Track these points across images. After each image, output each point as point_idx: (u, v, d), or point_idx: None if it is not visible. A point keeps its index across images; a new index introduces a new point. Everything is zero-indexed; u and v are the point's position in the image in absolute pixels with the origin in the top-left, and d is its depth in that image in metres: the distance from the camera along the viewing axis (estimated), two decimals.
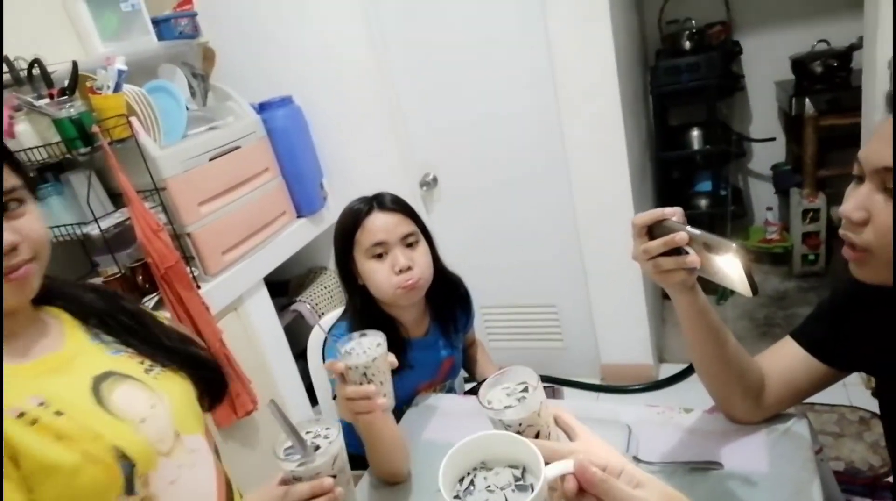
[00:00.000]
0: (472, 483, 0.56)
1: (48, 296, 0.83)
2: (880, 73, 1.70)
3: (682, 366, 2.35)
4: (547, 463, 0.60)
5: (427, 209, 2.38)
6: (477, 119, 2.19)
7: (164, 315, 1.04)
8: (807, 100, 2.43)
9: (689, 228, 0.75)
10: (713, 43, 2.67)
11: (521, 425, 0.66)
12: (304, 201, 2.28)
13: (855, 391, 1.98)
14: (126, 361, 0.83)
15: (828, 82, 2.47)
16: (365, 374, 0.87)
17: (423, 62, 2.18)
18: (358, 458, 1.30)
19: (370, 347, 0.90)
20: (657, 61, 2.67)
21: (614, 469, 0.56)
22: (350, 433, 1.27)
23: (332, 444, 0.70)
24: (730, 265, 0.72)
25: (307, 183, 2.27)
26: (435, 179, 2.34)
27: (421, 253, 1.22)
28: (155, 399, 0.80)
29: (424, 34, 2.13)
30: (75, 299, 0.86)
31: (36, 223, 0.74)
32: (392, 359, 0.91)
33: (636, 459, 0.95)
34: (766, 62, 2.77)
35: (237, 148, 1.99)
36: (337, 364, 0.88)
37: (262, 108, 2.16)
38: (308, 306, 2.32)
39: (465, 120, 2.21)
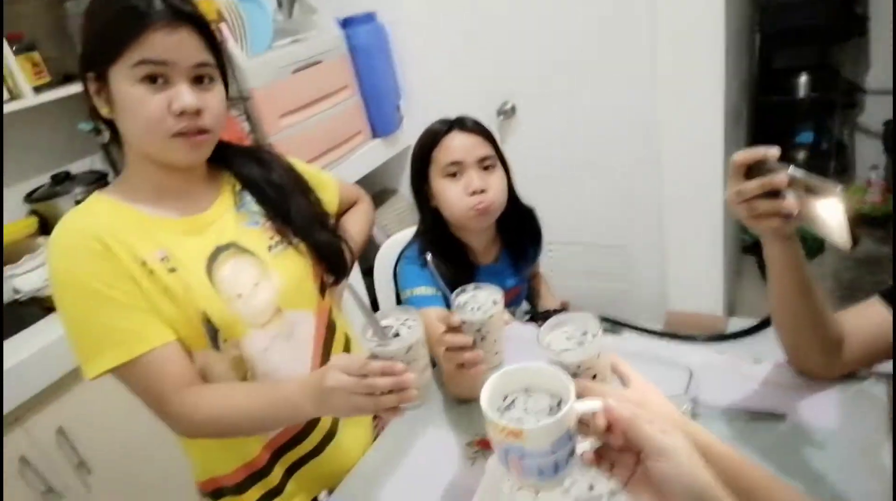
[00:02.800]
0: (513, 402, 0.59)
1: (223, 159, 0.93)
2: None
3: (753, 321, 2.26)
4: None
5: (503, 138, 2.33)
6: (564, 50, 2.09)
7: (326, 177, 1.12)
8: None
9: (791, 169, 0.70)
10: None
11: (579, 367, 0.67)
12: (380, 122, 2.28)
13: None
14: (256, 235, 0.92)
15: None
16: (479, 330, 0.82)
17: None
18: None
19: (486, 302, 0.84)
20: None
21: (646, 413, 0.56)
22: None
23: (411, 333, 0.73)
24: (831, 212, 0.66)
25: (384, 103, 2.27)
26: (513, 108, 2.27)
27: (496, 178, 1.20)
28: (262, 278, 0.89)
29: None
30: (241, 167, 0.95)
31: (218, 99, 0.82)
32: (507, 317, 0.86)
33: (695, 402, 0.93)
34: None
35: (318, 63, 2.00)
36: (452, 318, 0.83)
37: (345, 23, 2.14)
38: (377, 226, 2.37)
39: (552, 50, 2.11)
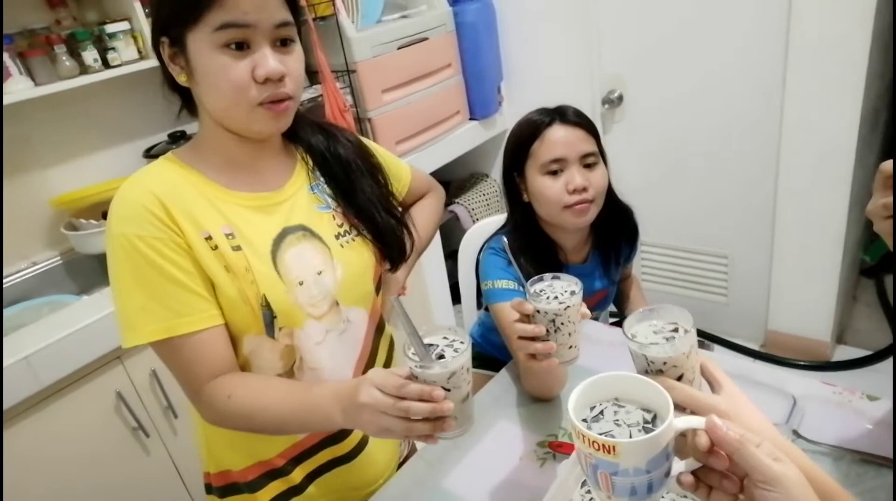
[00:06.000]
0: (601, 413, 0.55)
1: (295, 132, 0.89)
2: None
3: (865, 352, 2.04)
4: (685, 409, 0.57)
5: (605, 129, 2.23)
6: (682, 39, 1.96)
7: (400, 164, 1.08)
8: None
9: None
10: None
11: (664, 364, 0.61)
12: (480, 104, 2.25)
13: None
14: (326, 220, 0.87)
15: None
16: (553, 321, 0.78)
17: None
18: (493, 361, 1.33)
19: (563, 292, 0.80)
20: None
21: (754, 435, 0.50)
22: (493, 333, 1.30)
23: (456, 359, 0.66)
24: None
25: (486, 85, 2.23)
26: (620, 97, 2.16)
27: (599, 175, 1.14)
28: (327, 267, 0.84)
29: None
30: (312, 140, 0.91)
31: (299, 63, 0.78)
32: (585, 310, 0.80)
33: (796, 433, 0.85)
34: None
35: (425, 39, 1.99)
36: (525, 305, 0.79)
37: (455, 0, 2.12)
38: (465, 209, 2.36)
39: (668, 38, 1.98)
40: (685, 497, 0.72)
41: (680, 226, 2.24)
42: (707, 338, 2.28)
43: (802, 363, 2.07)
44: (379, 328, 0.97)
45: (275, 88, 0.74)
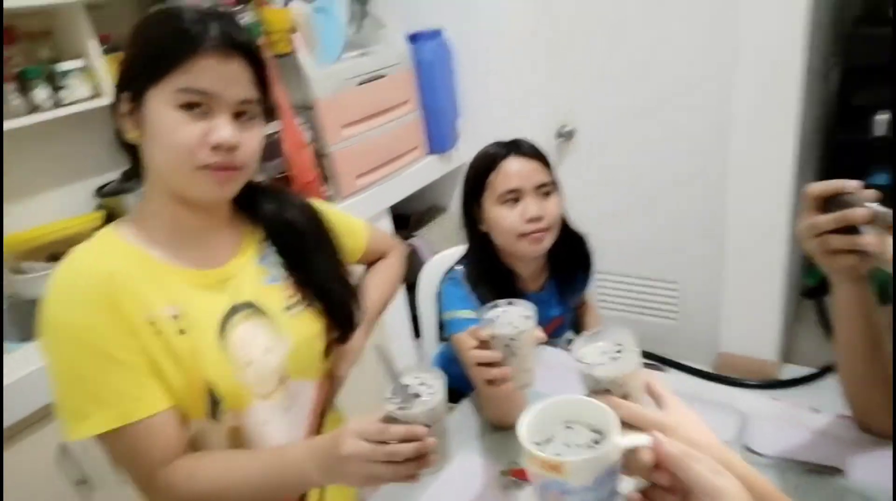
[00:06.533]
0: (552, 436, 0.57)
1: (248, 203, 0.87)
2: None
3: (810, 370, 2.14)
4: (632, 427, 0.59)
5: (559, 161, 2.31)
6: (631, 75, 2.07)
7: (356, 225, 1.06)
8: None
9: (876, 205, 0.66)
10: None
11: (611, 383, 0.64)
12: (437, 139, 2.30)
13: None
14: (274, 293, 0.84)
15: None
16: (508, 346, 0.79)
17: (584, 13, 2.07)
18: (454, 392, 1.34)
19: (517, 318, 0.81)
20: (854, 28, 2.33)
21: (696, 450, 0.52)
22: (454, 364, 1.31)
23: (433, 396, 0.68)
24: None
25: (443, 120, 2.29)
26: (572, 132, 2.25)
27: (553, 204, 1.19)
28: (274, 342, 0.82)
29: None
30: (264, 211, 0.87)
31: (255, 140, 0.77)
32: (540, 334, 0.83)
33: (747, 448, 0.88)
34: None
35: (383, 76, 2.04)
36: (481, 331, 0.81)
37: (412, 39, 2.18)
38: (425, 242, 2.38)
39: (618, 75, 2.09)
40: None
41: (633, 254, 2.32)
42: (660, 361, 2.34)
43: (752, 382, 2.15)
44: (328, 400, 0.95)
45: (225, 156, 0.72)
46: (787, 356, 2.27)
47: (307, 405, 0.89)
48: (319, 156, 1.88)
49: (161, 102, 0.70)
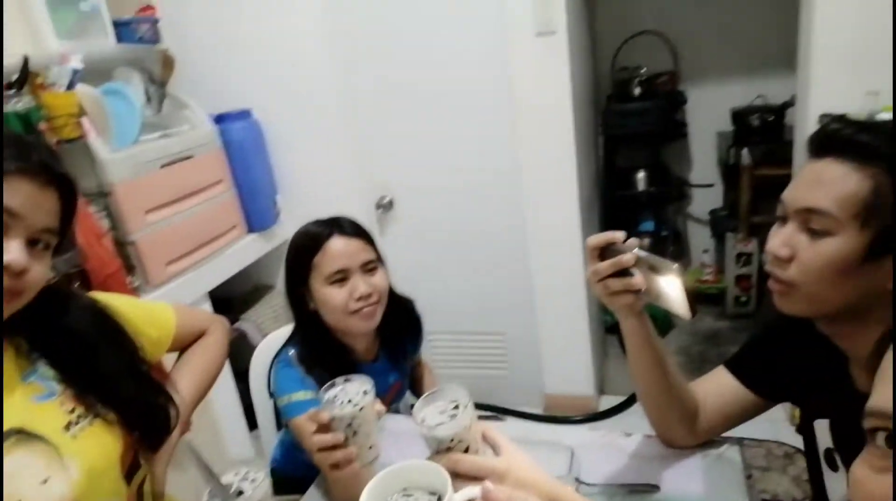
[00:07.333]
0: None
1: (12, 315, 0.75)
2: (810, 128, 1.85)
3: (622, 398, 2.41)
4: (473, 477, 0.63)
5: (381, 231, 2.38)
6: (436, 147, 2.24)
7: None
8: (744, 150, 2.59)
9: (637, 250, 0.79)
10: (660, 91, 2.83)
11: (452, 440, 0.68)
12: (256, 217, 2.25)
13: (781, 427, 2.09)
14: (51, 411, 0.74)
15: (763, 135, 2.64)
16: (350, 424, 0.79)
17: (386, 87, 2.20)
18: (300, 481, 1.26)
19: (356, 394, 0.81)
20: (608, 104, 2.80)
21: (523, 491, 0.58)
22: (297, 450, 1.25)
23: (257, 490, 0.66)
24: (671, 286, 0.76)
25: (260, 198, 2.25)
26: (391, 202, 2.35)
27: (380, 278, 1.21)
28: (55, 471, 0.71)
29: (389, 61, 2.17)
30: (29, 319, 0.76)
31: (44, 270, 0.73)
32: (380, 407, 0.83)
33: (578, 480, 0.97)
34: (707, 113, 2.95)
35: (190, 157, 1.96)
36: (320, 415, 0.79)
37: (219, 119, 2.14)
38: (252, 325, 2.27)
39: (425, 146, 2.25)
40: None
41: (460, 311, 2.44)
42: (497, 410, 2.46)
43: (576, 418, 2.36)
44: None
45: (12, 279, 0.67)
46: (603, 388, 2.53)
47: None
48: (121, 244, 1.72)
49: None
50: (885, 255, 0.70)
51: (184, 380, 0.96)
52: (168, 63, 2.21)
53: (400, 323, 1.34)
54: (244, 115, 2.19)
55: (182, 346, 1.01)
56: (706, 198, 3.13)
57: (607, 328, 2.83)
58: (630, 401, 2.36)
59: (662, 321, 2.73)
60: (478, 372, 2.52)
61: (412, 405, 1.53)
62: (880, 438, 0.40)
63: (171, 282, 1.86)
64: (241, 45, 2.19)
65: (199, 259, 1.98)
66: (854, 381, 0.81)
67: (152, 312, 0.96)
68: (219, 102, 2.19)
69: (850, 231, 0.71)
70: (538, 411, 2.45)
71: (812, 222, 0.73)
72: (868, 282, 0.72)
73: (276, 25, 2.14)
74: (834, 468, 0.88)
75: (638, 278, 0.79)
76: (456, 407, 0.71)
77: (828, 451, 0.88)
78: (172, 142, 1.91)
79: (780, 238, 0.77)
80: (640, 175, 2.87)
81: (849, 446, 0.84)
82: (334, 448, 0.79)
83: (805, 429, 0.94)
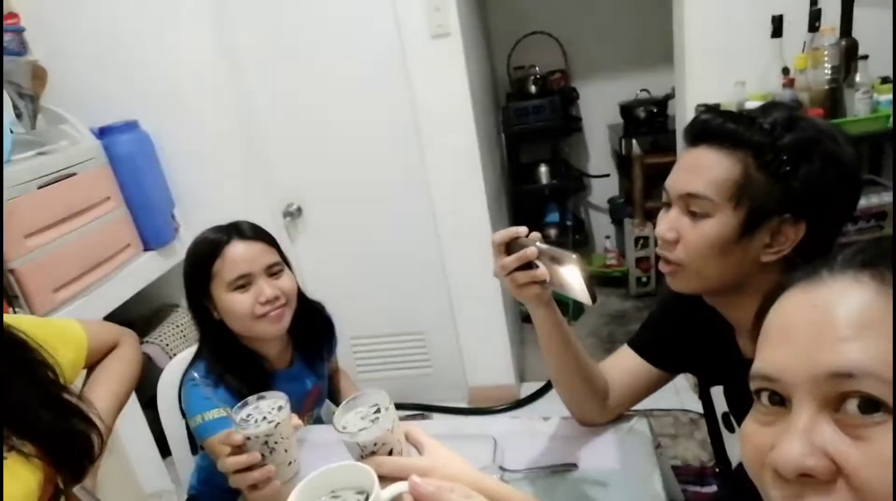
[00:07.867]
0: None
1: None
2: (689, 118, 2.00)
3: (540, 384, 2.50)
4: (398, 479, 0.63)
5: (291, 239, 2.32)
6: (340, 150, 2.21)
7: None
8: (634, 141, 2.77)
9: (538, 243, 0.83)
10: (554, 88, 2.95)
11: (375, 445, 0.68)
12: (152, 233, 2.12)
13: (686, 395, 2.25)
14: None
15: (650, 126, 2.84)
16: (266, 443, 0.77)
17: (283, 91, 2.16)
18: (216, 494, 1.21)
19: (271, 411, 0.79)
20: (507, 103, 2.89)
21: (449, 482, 0.59)
22: (212, 475, 1.19)
23: None
24: (572, 276, 0.80)
25: (155, 214, 2.12)
26: (299, 209, 2.30)
27: (286, 280, 1.19)
28: None
29: (283, 62, 2.12)
30: None
31: None
32: (297, 421, 0.81)
33: (502, 468, 0.99)
34: (598, 107, 3.12)
35: (73, 175, 1.81)
36: (234, 436, 0.76)
37: (102, 132, 1.99)
38: (158, 347, 2.14)
39: (329, 150, 2.21)
40: None
41: (379, 314, 2.43)
42: (424, 409, 2.48)
43: (500, 407, 2.41)
44: None
45: None
46: (523, 376, 2.61)
47: None
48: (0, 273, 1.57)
49: None
50: (757, 230, 0.78)
51: (100, 391, 0.91)
52: (39, 75, 2.03)
53: (312, 326, 1.32)
54: (131, 126, 2.05)
55: (93, 362, 0.95)
56: (604, 187, 3.31)
57: (523, 318, 2.93)
58: (548, 387, 2.45)
59: (574, 306, 2.85)
60: (402, 373, 2.52)
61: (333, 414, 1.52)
62: (764, 397, 0.44)
63: (62, 309, 1.71)
64: (123, 53, 2.06)
65: (92, 282, 1.84)
66: (741, 349, 0.90)
67: (63, 330, 0.90)
68: (102, 114, 2.04)
69: (726, 212, 0.78)
70: (464, 404, 2.50)
71: (692, 205, 0.80)
72: (744, 256, 0.80)
73: (157, 33, 2.03)
74: (731, 429, 0.97)
75: (542, 270, 0.83)
76: (377, 411, 0.71)
77: (725, 415, 0.96)
78: (50, 159, 1.76)
79: (666, 223, 0.84)
80: (543, 169, 2.99)
81: (741, 408, 0.92)
82: (251, 468, 0.76)
83: (703, 396, 1.02)
